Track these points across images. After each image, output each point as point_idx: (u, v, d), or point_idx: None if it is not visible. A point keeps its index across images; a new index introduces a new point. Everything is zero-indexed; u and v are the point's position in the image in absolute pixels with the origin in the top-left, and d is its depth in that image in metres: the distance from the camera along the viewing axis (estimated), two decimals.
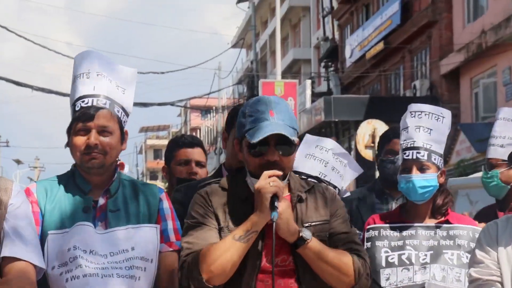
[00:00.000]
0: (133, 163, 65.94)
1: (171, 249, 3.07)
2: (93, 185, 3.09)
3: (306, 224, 2.93)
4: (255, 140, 2.83)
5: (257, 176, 2.86)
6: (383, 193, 4.51)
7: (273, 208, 2.80)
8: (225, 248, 2.79)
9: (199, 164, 4.28)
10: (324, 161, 3.93)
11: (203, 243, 2.85)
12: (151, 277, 3.00)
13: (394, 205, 4.41)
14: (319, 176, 3.86)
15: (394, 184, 4.18)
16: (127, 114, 3.16)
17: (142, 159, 62.72)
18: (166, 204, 3.15)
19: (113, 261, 2.96)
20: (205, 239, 2.86)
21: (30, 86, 20.75)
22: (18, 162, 52.06)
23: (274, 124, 2.85)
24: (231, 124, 3.52)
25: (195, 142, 4.38)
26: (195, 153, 4.30)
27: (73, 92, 3.12)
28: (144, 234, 3.03)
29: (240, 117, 2.96)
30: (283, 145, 2.86)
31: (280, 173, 2.83)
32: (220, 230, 2.89)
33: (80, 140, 3.03)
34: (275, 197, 2.80)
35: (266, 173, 2.82)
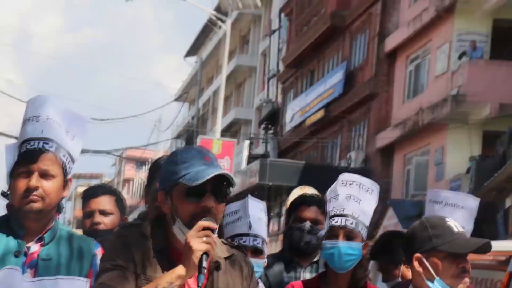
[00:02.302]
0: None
1: None
2: (28, 231, 3.00)
3: None
4: (198, 181, 2.67)
5: (190, 225, 2.71)
6: (291, 261, 4.47)
7: (200, 269, 2.64)
8: None
9: (103, 212, 4.15)
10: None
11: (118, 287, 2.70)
12: None
13: (302, 274, 4.41)
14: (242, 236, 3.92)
15: (302, 252, 4.39)
16: (73, 161, 3.12)
17: (71, 206, 61.82)
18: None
19: None
20: (121, 284, 2.70)
21: None
22: None
23: (213, 167, 2.73)
24: (153, 179, 3.52)
25: (100, 191, 4.27)
26: (99, 202, 4.19)
27: (21, 135, 3.08)
28: (74, 285, 2.98)
29: (169, 166, 2.81)
30: (219, 191, 2.72)
31: (216, 226, 2.68)
32: (137, 277, 2.72)
33: (21, 182, 2.97)
34: (205, 255, 2.64)
35: (200, 223, 2.67)
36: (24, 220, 3.02)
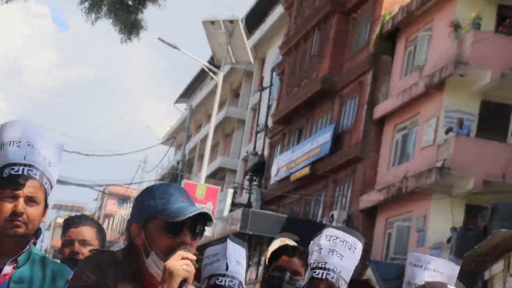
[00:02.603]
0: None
1: None
2: (2, 253, 3.02)
3: None
4: (179, 218, 2.79)
5: (165, 259, 2.81)
6: None
7: None
8: None
9: (83, 242, 4.16)
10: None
11: None
12: None
13: None
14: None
15: None
16: (51, 187, 3.17)
17: (49, 235, 61.11)
18: None
19: None
20: None
21: None
22: None
23: (192, 205, 2.85)
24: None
25: (80, 221, 4.26)
26: (79, 232, 4.18)
27: (2, 159, 3.08)
28: None
29: (146, 200, 2.91)
30: (195, 228, 2.86)
31: (194, 257, 2.81)
32: None
33: (6, 207, 3.00)
34: (184, 282, 2.77)
35: (180, 253, 2.79)
36: (1, 243, 3.01)
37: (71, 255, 4.08)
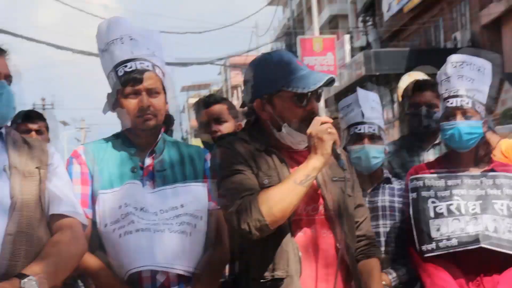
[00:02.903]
0: (177, 122, 66.03)
1: (218, 207, 3.08)
2: (139, 147, 3.14)
3: (334, 178, 3.00)
4: (310, 88, 2.82)
5: (300, 129, 2.88)
6: (413, 145, 4.49)
7: (338, 156, 2.84)
8: (287, 191, 2.78)
9: (218, 120, 4.24)
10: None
11: (249, 188, 2.83)
12: (202, 233, 3.05)
13: (426, 156, 4.41)
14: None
15: (423, 136, 4.33)
16: (163, 74, 3.20)
17: (185, 117, 63.04)
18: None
19: (163, 218, 3.01)
20: (249, 184, 2.85)
21: (71, 49, 20.83)
22: (64, 123, 52.66)
23: (312, 72, 2.87)
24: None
25: (211, 101, 4.32)
26: (213, 112, 4.26)
27: (110, 58, 3.14)
28: (193, 191, 3.08)
29: (265, 73, 2.92)
30: (317, 93, 2.90)
31: (331, 120, 2.86)
32: (256, 176, 2.88)
33: (131, 103, 3.09)
34: (334, 144, 2.84)
35: (318, 118, 2.84)
36: (136, 138, 3.14)
37: (210, 134, 4.22)
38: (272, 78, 2.88)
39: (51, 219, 2.83)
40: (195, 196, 3.07)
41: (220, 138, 3.21)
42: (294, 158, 2.98)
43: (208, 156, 3.19)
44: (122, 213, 3.00)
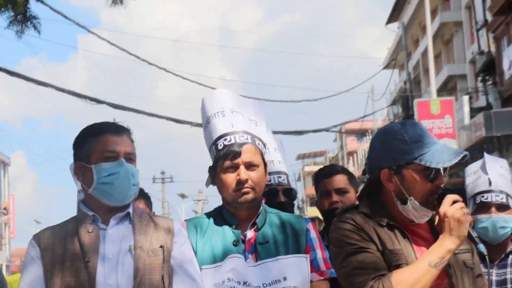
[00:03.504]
0: None
1: (322, 278, 3.07)
2: (241, 220, 3.15)
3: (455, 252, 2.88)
4: (444, 164, 2.77)
5: (426, 204, 2.81)
6: None
7: (475, 240, 2.78)
8: (421, 274, 2.71)
9: (340, 191, 4.16)
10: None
11: (379, 268, 2.76)
12: None
13: None
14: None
15: None
16: (265, 146, 3.21)
17: (301, 186, 63.37)
18: (314, 234, 3.17)
19: None
20: (378, 263, 2.78)
21: (189, 123, 21.38)
22: (182, 196, 53.92)
23: (446, 146, 2.81)
24: None
25: (333, 171, 4.26)
26: (334, 182, 4.18)
27: (211, 132, 3.18)
28: (295, 264, 3.05)
29: (397, 144, 2.84)
30: (446, 169, 2.82)
31: (461, 199, 2.79)
32: (381, 254, 2.81)
33: (230, 177, 3.11)
34: (471, 226, 2.77)
35: (450, 197, 2.77)
36: (237, 211, 3.15)
37: (331, 205, 4.12)
38: (405, 149, 2.81)
39: None
40: (298, 268, 3.04)
41: (340, 211, 3.05)
42: (414, 232, 2.90)
43: (310, 226, 3.18)
44: None
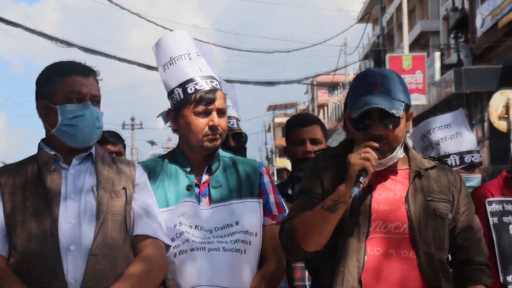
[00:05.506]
0: (262, 141, 66.84)
1: (274, 222, 3.10)
2: (195, 164, 3.14)
3: (428, 198, 2.89)
4: (354, 115, 2.80)
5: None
6: None
7: (356, 182, 2.74)
8: (315, 217, 2.77)
9: (314, 141, 4.18)
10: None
11: (300, 210, 2.85)
12: (257, 250, 3.04)
13: None
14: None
15: None
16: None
17: (271, 136, 63.47)
18: (267, 179, 3.18)
19: (218, 235, 3.01)
20: (304, 206, 2.86)
21: None
22: (152, 143, 53.78)
23: (375, 97, 2.79)
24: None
25: (308, 120, 4.29)
26: (309, 131, 4.19)
27: (177, 74, 3.13)
28: (247, 208, 3.06)
29: (350, 92, 2.92)
30: (388, 118, 2.80)
31: (376, 144, 2.78)
32: (323, 195, 2.86)
33: (201, 122, 3.09)
34: (363, 171, 2.74)
35: (364, 144, 2.79)
36: (193, 155, 3.14)
37: (304, 154, 4.14)
38: (349, 98, 2.89)
39: (135, 240, 2.88)
40: (250, 212, 3.06)
41: (322, 150, 3.21)
42: (386, 177, 2.92)
43: (264, 170, 3.20)
44: (177, 232, 3.01)
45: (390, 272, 2.81)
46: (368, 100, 2.78)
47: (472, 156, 3.99)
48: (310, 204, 2.84)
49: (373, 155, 2.75)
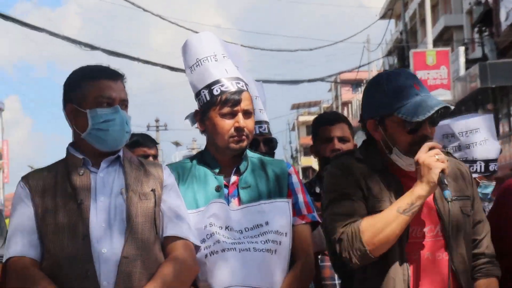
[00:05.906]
0: (286, 140, 66.79)
1: (303, 222, 3.10)
2: (223, 165, 3.15)
3: (454, 197, 2.87)
4: (419, 118, 2.75)
5: (409, 153, 2.82)
6: None
7: (443, 186, 2.74)
8: (389, 220, 2.75)
9: (342, 139, 4.15)
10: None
11: (355, 215, 2.82)
12: (287, 250, 3.03)
13: None
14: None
15: None
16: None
17: (295, 135, 63.40)
18: (295, 179, 3.18)
19: (248, 236, 3.02)
20: (356, 211, 2.83)
21: (184, 71, 21.24)
22: (176, 144, 53.99)
23: (429, 98, 2.79)
24: None
25: (336, 118, 4.26)
26: (337, 129, 4.17)
27: (203, 75, 3.14)
28: (277, 208, 3.07)
29: (377, 95, 2.87)
30: (433, 118, 2.81)
31: (441, 146, 2.79)
32: (366, 200, 2.85)
33: (227, 124, 3.09)
34: (441, 173, 2.75)
35: (427, 144, 2.78)
36: (222, 157, 3.15)
37: (332, 152, 4.12)
38: (386, 101, 2.84)
39: (165, 241, 2.90)
40: (280, 212, 3.06)
41: (335, 156, 3.11)
42: (413, 179, 2.89)
43: (292, 170, 3.20)
44: (208, 233, 3.02)
45: (431, 277, 2.83)
46: (426, 101, 2.78)
47: (495, 165, 4.08)
48: (360, 209, 2.83)
49: (444, 157, 2.77)
